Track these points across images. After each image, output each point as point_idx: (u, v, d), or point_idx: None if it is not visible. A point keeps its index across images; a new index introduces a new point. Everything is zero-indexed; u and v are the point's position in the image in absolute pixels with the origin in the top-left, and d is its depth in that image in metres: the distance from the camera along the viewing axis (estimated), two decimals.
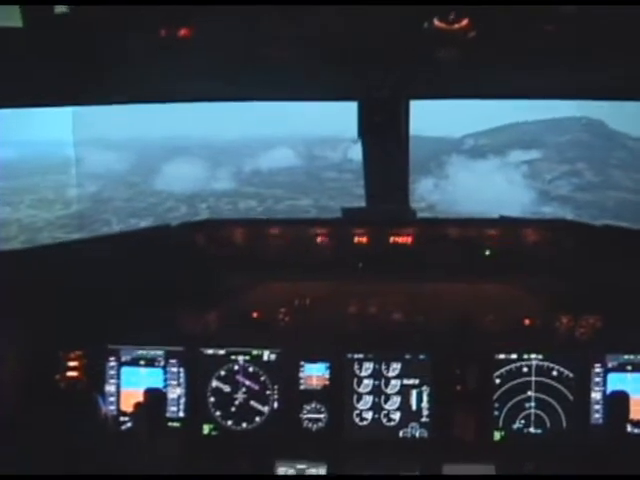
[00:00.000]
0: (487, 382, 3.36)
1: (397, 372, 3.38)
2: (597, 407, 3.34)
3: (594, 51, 2.97)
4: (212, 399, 3.42)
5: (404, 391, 3.37)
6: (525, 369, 3.37)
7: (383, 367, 3.38)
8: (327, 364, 3.39)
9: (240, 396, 3.42)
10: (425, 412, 3.36)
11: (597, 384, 3.36)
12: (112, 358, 3.45)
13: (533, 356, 3.37)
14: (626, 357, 3.38)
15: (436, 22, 2.74)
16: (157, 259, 3.37)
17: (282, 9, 2.65)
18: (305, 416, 3.38)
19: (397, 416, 3.38)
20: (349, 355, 3.38)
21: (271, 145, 31.52)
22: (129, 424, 3.41)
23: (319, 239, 3.36)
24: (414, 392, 3.37)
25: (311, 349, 3.38)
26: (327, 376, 3.39)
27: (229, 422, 3.42)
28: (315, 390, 3.38)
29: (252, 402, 3.42)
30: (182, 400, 3.43)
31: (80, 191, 25.90)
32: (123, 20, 2.66)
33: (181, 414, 3.43)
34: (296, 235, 3.36)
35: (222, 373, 3.43)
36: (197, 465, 3.23)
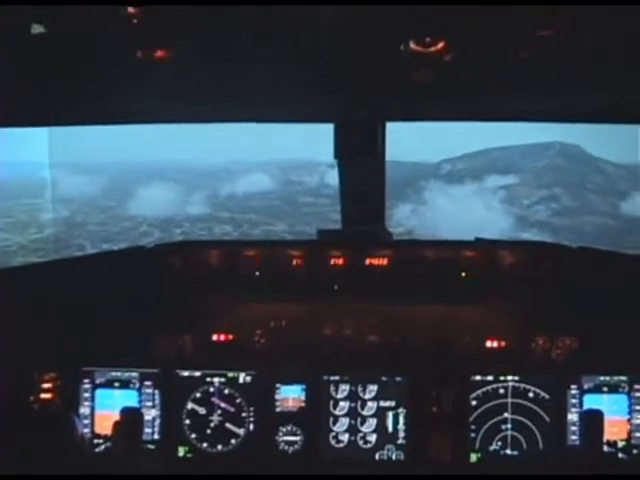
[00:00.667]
0: (463, 404, 3.35)
1: (373, 394, 3.37)
2: (573, 428, 3.34)
3: (569, 75, 2.98)
4: (187, 421, 3.40)
5: (380, 413, 3.36)
6: (501, 391, 3.37)
7: (359, 389, 3.37)
8: (303, 386, 3.37)
9: (215, 418, 3.40)
10: (401, 434, 3.35)
11: (573, 405, 3.36)
12: (86, 380, 3.42)
13: (509, 378, 3.36)
14: (602, 378, 3.38)
15: (412, 45, 2.74)
16: (132, 281, 3.34)
17: (259, 31, 2.65)
18: (281, 438, 3.36)
19: (373, 438, 3.36)
20: (325, 377, 3.36)
21: (247, 169, 31.64)
22: (103, 446, 3.38)
23: (295, 261, 3.34)
24: (390, 414, 3.36)
25: (287, 371, 3.36)
26: (303, 398, 3.37)
27: (204, 444, 3.39)
28: (291, 412, 3.36)
29: (228, 424, 3.39)
30: (157, 422, 3.40)
31: (54, 215, 25.74)
32: (97, 40, 2.65)
33: (156, 436, 3.40)
34: (272, 257, 3.34)
35: (197, 395, 3.40)
36: None
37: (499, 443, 3.36)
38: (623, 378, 3.38)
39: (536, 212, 26.84)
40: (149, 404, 3.41)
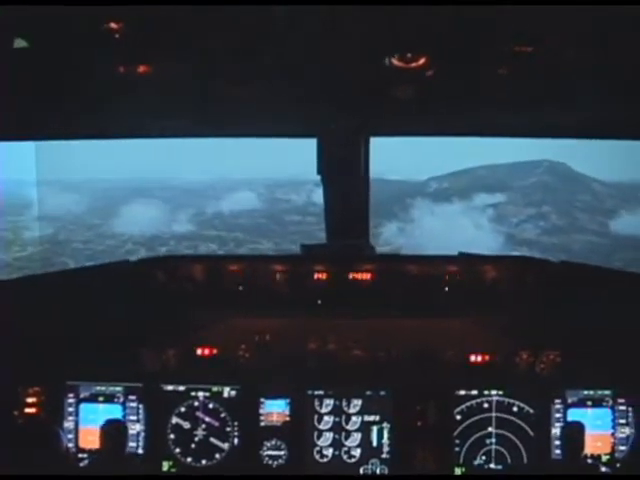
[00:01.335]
0: (448, 418, 3.35)
1: (358, 408, 3.37)
2: (557, 442, 3.33)
3: (552, 91, 3.00)
4: (172, 435, 3.39)
5: (365, 427, 3.36)
6: (486, 405, 3.37)
7: (344, 403, 3.37)
8: (287, 400, 3.37)
9: (200, 433, 3.39)
10: (386, 448, 3.35)
11: (557, 419, 3.37)
12: (71, 394, 3.42)
13: (494, 392, 3.37)
14: (586, 392, 3.39)
15: (394, 61, 2.76)
16: (116, 295, 3.34)
17: (241, 46, 2.66)
18: (265, 453, 3.36)
19: (358, 453, 3.36)
20: (309, 391, 3.36)
21: (233, 187, 31.53)
22: (87, 461, 3.38)
23: (278, 275, 3.35)
24: (375, 428, 3.36)
25: (271, 386, 3.36)
26: (287, 413, 3.37)
27: (189, 459, 3.39)
28: (275, 427, 3.36)
29: (212, 439, 3.39)
30: (141, 436, 3.40)
31: (39, 233, 25.61)
32: (80, 55, 2.66)
33: (140, 450, 3.40)
34: (255, 271, 3.35)
35: (182, 410, 3.40)
36: None
37: (483, 457, 3.36)
38: (607, 392, 3.39)
39: (524, 230, 27.01)
40: (133, 418, 3.40)
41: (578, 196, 28.91)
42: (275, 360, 3.37)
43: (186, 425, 3.40)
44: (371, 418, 3.36)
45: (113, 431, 3.08)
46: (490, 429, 3.36)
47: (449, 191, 30.21)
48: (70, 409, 3.41)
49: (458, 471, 3.36)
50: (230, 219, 29.00)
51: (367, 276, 3.33)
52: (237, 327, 3.41)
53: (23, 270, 21.83)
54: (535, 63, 2.72)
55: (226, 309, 3.41)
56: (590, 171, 31.10)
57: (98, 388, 3.42)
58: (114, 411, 3.39)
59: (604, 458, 3.38)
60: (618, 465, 3.36)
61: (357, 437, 3.36)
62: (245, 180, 32.87)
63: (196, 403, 3.40)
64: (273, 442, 3.36)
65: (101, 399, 3.42)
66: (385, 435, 3.35)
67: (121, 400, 3.41)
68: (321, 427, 3.36)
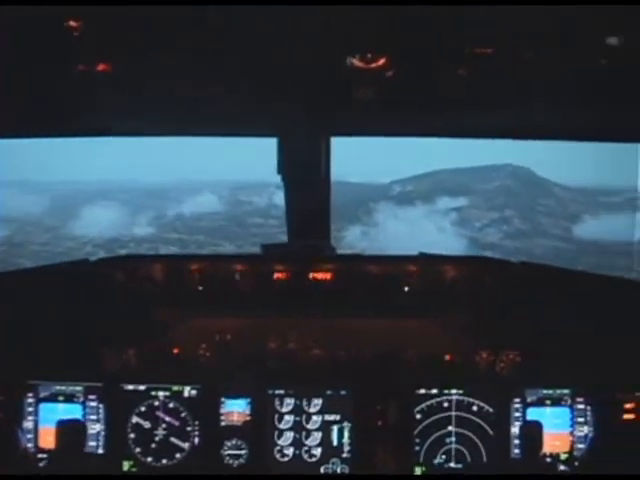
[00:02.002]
0: (408, 417, 3.36)
1: (318, 408, 3.37)
2: (516, 441, 3.35)
3: (511, 92, 3.01)
4: (132, 435, 3.38)
5: (325, 427, 3.37)
6: (446, 404, 3.39)
7: (304, 403, 3.37)
8: (248, 400, 3.37)
9: (160, 432, 3.38)
10: (346, 448, 3.36)
11: (517, 419, 3.39)
12: (30, 394, 3.39)
13: (454, 391, 3.39)
14: (545, 392, 3.41)
15: (355, 61, 2.76)
16: (76, 294, 3.33)
17: (198, 45, 2.66)
18: (226, 452, 3.35)
19: (318, 452, 3.37)
20: (270, 391, 3.36)
21: (195, 190, 31.19)
22: (47, 461, 3.36)
23: (239, 275, 3.34)
24: (335, 428, 3.37)
25: (232, 385, 3.36)
26: (248, 412, 3.37)
27: (149, 458, 3.38)
28: (236, 426, 3.36)
29: (172, 438, 3.38)
30: (101, 436, 3.39)
31: None
32: (37, 53, 2.65)
33: (100, 450, 3.38)
34: (215, 271, 3.34)
35: (142, 409, 3.39)
36: None
37: (443, 456, 3.38)
38: (565, 391, 3.42)
39: (488, 234, 27.11)
40: (93, 418, 3.39)
41: (541, 200, 29.12)
42: (236, 359, 3.37)
43: (146, 425, 3.39)
44: (332, 417, 3.37)
45: (68, 430, 3.06)
46: (450, 428, 3.38)
47: (412, 194, 30.32)
48: (29, 409, 3.39)
49: (418, 470, 3.37)
50: (191, 221, 28.85)
51: (327, 276, 3.34)
52: (197, 327, 3.41)
53: None
54: (495, 64, 2.73)
55: (186, 309, 3.40)
56: (553, 176, 31.56)
57: (58, 388, 3.40)
58: (74, 411, 3.38)
59: (563, 457, 3.41)
60: (576, 464, 3.39)
61: (317, 436, 3.37)
62: (207, 182, 32.59)
63: (156, 403, 3.39)
64: (234, 441, 3.35)
65: (61, 399, 3.40)
66: (345, 434, 3.36)
67: (81, 400, 3.39)
68: (282, 426, 3.37)
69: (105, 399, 3.38)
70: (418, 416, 3.38)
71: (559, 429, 3.41)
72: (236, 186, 31.19)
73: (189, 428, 3.38)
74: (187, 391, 3.38)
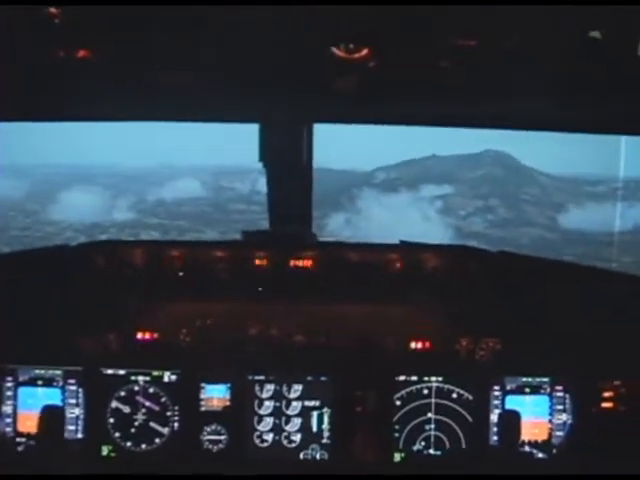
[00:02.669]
0: (388, 404, 3.37)
1: (298, 394, 3.38)
2: (495, 429, 3.37)
3: (495, 82, 3.01)
4: (111, 420, 3.37)
5: (305, 413, 3.37)
6: (425, 391, 3.40)
7: (284, 389, 3.37)
8: (228, 385, 3.36)
9: (140, 417, 3.38)
10: (326, 434, 3.37)
11: (496, 406, 3.41)
12: (9, 378, 3.38)
13: (433, 378, 3.40)
14: (524, 379, 3.43)
15: (337, 51, 2.75)
16: (55, 279, 3.31)
17: (180, 31, 2.64)
18: (205, 437, 3.35)
19: (298, 438, 3.37)
20: (250, 377, 3.36)
21: (177, 175, 30.53)
22: (25, 445, 3.35)
23: (219, 261, 3.34)
24: (315, 414, 3.37)
25: (212, 370, 3.36)
26: (228, 397, 3.36)
27: (128, 443, 3.37)
28: (216, 412, 3.36)
29: (152, 423, 3.38)
30: (80, 420, 3.38)
31: None
32: (18, 39, 2.63)
33: (79, 435, 3.37)
34: (196, 257, 3.33)
35: (122, 394, 3.38)
36: None
37: (422, 443, 3.39)
38: (545, 379, 3.44)
39: (472, 223, 26.93)
40: (73, 402, 3.38)
41: (526, 189, 28.91)
42: (216, 345, 3.36)
43: (126, 409, 3.38)
44: (311, 403, 3.37)
45: (49, 416, 3.07)
46: (429, 415, 3.40)
47: (396, 182, 29.78)
48: (8, 393, 3.38)
49: (397, 457, 3.39)
50: (173, 207, 28.13)
51: (308, 263, 3.34)
52: (178, 312, 3.40)
53: None
54: (478, 55, 2.73)
55: (167, 294, 3.39)
56: (538, 164, 31.18)
57: (37, 372, 3.38)
58: (53, 395, 3.36)
59: (541, 444, 3.43)
60: (554, 451, 3.42)
61: (297, 422, 3.38)
62: (189, 167, 31.78)
63: (136, 387, 3.38)
64: (213, 427, 3.35)
65: (40, 383, 3.38)
66: (325, 420, 3.37)
67: (60, 384, 3.38)
68: (261, 412, 3.37)
69: (85, 383, 3.37)
70: (398, 403, 3.39)
71: (538, 417, 3.43)
72: (218, 171, 30.46)
73: (169, 413, 3.37)
74: (167, 376, 3.38)
